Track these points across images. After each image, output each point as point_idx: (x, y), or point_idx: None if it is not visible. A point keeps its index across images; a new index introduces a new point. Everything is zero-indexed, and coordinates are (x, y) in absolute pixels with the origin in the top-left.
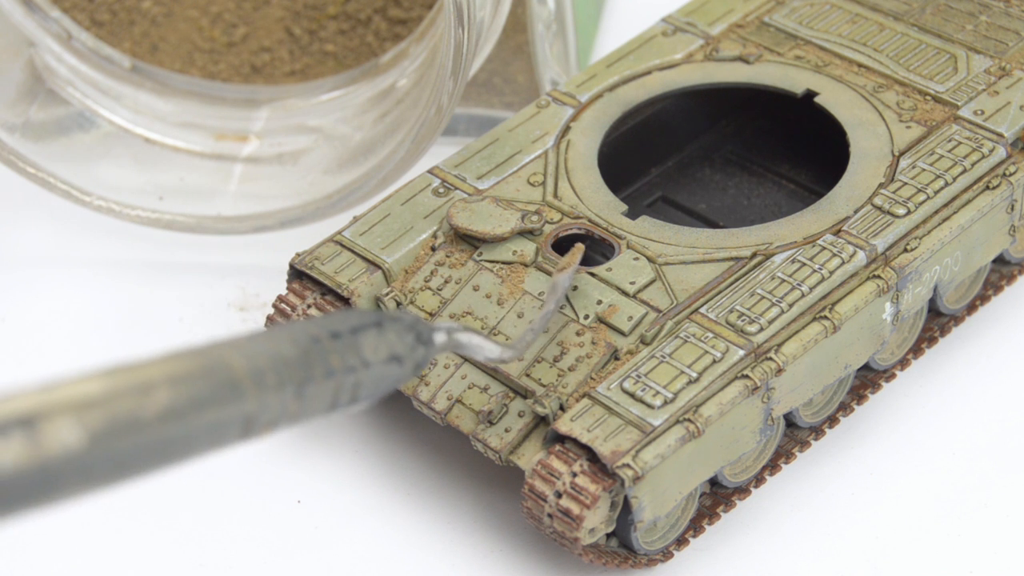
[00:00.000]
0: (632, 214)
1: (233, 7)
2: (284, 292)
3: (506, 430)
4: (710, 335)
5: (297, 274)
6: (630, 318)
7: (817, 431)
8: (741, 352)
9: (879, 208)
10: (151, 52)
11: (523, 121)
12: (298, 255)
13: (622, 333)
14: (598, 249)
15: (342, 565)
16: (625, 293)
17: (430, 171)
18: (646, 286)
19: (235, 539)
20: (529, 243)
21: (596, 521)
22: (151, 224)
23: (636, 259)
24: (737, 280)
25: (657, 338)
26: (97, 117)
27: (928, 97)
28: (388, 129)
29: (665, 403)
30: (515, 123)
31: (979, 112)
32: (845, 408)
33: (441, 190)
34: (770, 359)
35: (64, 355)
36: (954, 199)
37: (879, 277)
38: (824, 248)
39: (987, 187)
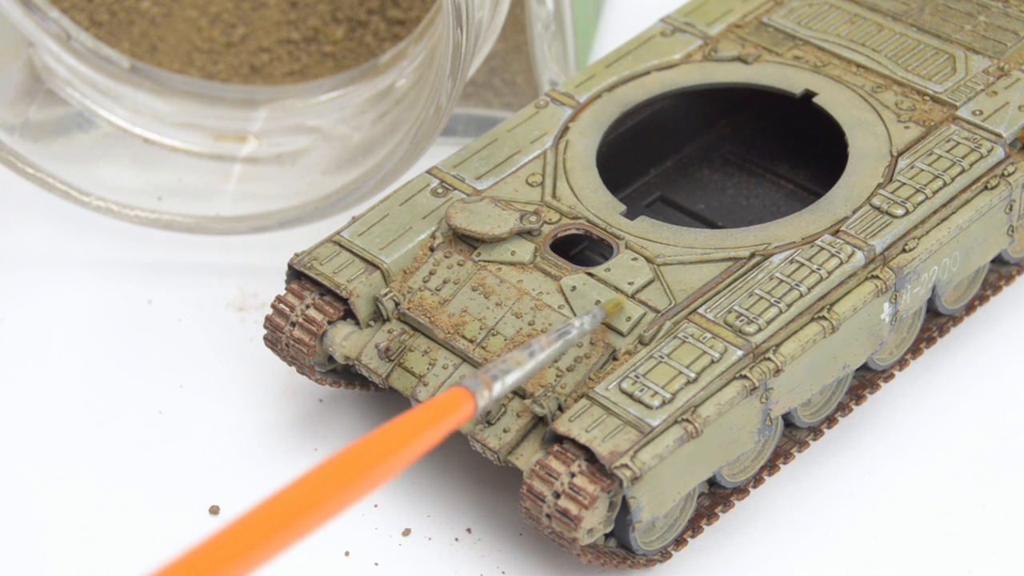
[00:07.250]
0: (631, 214)
1: (232, 7)
2: (283, 292)
3: (504, 430)
4: (708, 335)
5: (296, 274)
6: (628, 318)
7: (815, 431)
8: (739, 352)
9: (877, 208)
10: (150, 52)
11: (522, 121)
12: (297, 255)
13: (620, 333)
14: (597, 250)
15: (340, 565)
16: (624, 293)
17: (429, 171)
18: (644, 286)
19: None
20: (527, 243)
21: (594, 521)
22: (150, 224)
23: (634, 259)
24: (735, 280)
25: (655, 338)
26: (96, 117)
27: (927, 97)
28: (387, 129)
29: (663, 403)
30: (514, 123)
31: (977, 112)
32: (843, 408)
33: (440, 190)
34: (768, 359)
35: (62, 355)
36: (952, 199)
37: (877, 277)
38: (822, 248)
39: (985, 187)
